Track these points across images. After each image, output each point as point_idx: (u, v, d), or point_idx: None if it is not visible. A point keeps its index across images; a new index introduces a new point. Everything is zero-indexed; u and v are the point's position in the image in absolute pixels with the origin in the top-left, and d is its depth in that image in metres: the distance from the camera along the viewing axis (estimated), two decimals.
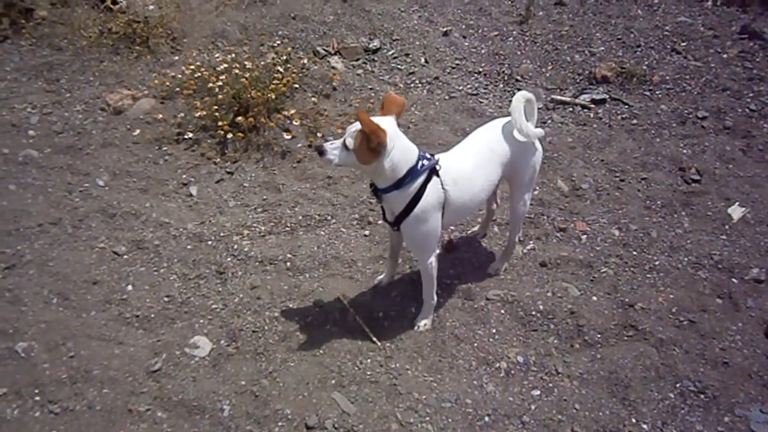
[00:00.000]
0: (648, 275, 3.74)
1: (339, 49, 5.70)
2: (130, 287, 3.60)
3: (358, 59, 5.63)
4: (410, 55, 5.58)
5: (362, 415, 2.97)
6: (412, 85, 5.30)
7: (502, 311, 3.51)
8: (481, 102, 5.13)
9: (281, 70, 5.06)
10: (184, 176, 4.35)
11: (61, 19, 5.82)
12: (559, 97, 5.12)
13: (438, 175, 2.97)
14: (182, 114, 4.74)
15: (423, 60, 5.56)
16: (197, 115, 4.60)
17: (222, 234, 3.93)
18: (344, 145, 2.82)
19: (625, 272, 3.76)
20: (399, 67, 5.48)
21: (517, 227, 3.57)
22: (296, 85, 4.99)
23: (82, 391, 3.06)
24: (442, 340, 3.34)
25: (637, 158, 4.57)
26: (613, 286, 3.67)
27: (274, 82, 4.87)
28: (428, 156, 2.96)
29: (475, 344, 3.34)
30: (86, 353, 3.22)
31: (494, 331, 3.40)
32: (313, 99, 4.98)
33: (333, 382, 3.13)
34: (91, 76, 5.23)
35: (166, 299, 3.53)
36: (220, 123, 4.50)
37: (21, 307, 3.42)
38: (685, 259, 3.84)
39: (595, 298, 3.60)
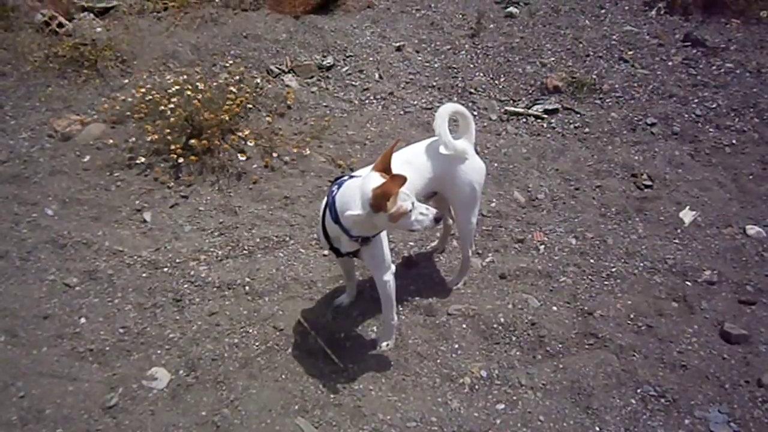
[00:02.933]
0: (606, 282, 3.79)
1: (293, 67, 5.68)
2: (83, 320, 3.49)
3: (312, 77, 5.61)
4: (364, 72, 5.59)
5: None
6: (366, 101, 5.29)
7: (464, 326, 3.51)
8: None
9: (234, 90, 5.00)
10: (137, 202, 4.26)
11: (3, 44, 5.66)
12: (512, 109, 5.18)
13: None
14: (134, 138, 4.65)
15: (377, 76, 5.57)
16: (149, 139, 4.51)
17: (178, 260, 3.85)
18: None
19: (583, 280, 3.80)
20: (353, 83, 5.48)
21: (467, 243, 3.58)
22: (249, 105, 4.95)
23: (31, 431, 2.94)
24: (405, 358, 3.33)
25: (591, 166, 4.65)
26: (572, 295, 3.71)
27: (227, 102, 4.81)
28: (343, 177, 2.98)
29: (438, 361, 3.33)
30: (38, 392, 3.11)
31: (456, 346, 3.40)
32: (267, 119, 4.93)
33: (296, 407, 3.08)
34: (37, 101, 5.10)
35: (121, 330, 3.43)
36: (172, 146, 4.42)
37: None
38: (641, 264, 3.90)
39: (555, 308, 3.63)
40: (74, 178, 4.41)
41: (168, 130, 4.53)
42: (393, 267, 3.15)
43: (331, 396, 3.13)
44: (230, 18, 6.19)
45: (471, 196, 3.34)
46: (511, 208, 4.29)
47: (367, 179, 2.76)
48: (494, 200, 4.32)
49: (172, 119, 4.57)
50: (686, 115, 5.08)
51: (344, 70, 5.62)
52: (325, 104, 5.24)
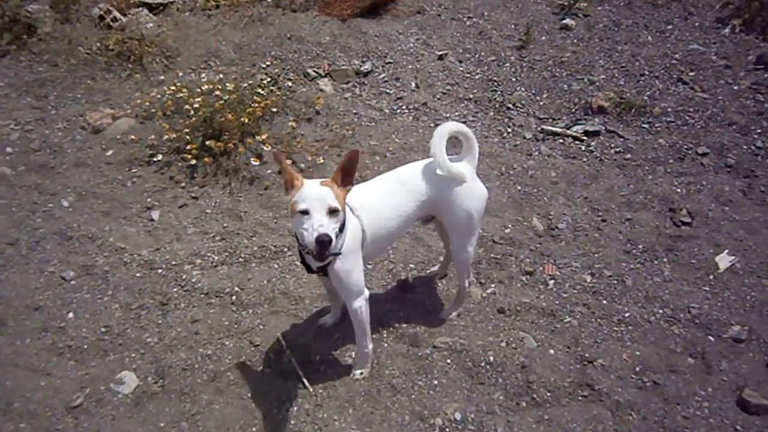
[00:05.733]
0: (615, 328, 3.45)
1: (329, 71, 5.58)
2: (71, 315, 3.53)
3: (348, 82, 5.49)
4: (401, 80, 5.41)
5: None
6: (398, 111, 5.12)
7: (449, 361, 3.29)
8: None
9: (263, 92, 4.96)
10: (149, 200, 4.28)
11: (60, 36, 5.88)
12: (549, 128, 4.85)
13: (348, 206, 2.81)
14: (157, 136, 4.68)
15: (413, 85, 5.38)
16: (167, 137, 4.53)
17: (174, 262, 3.83)
18: (327, 210, 2.53)
19: (591, 323, 3.48)
20: (388, 91, 5.32)
21: (464, 273, 3.35)
22: (274, 109, 4.87)
23: None
24: (377, 389, 3.14)
25: (625, 196, 4.27)
26: (574, 338, 3.40)
27: (253, 105, 4.77)
28: None
29: (413, 396, 3.13)
30: (11, 384, 3.16)
31: (436, 382, 3.18)
32: (291, 123, 4.85)
33: (254, 430, 2.97)
34: (80, 93, 5.25)
35: (103, 329, 3.44)
36: (188, 146, 4.42)
37: None
38: (660, 311, 3.53)
39: (552, 351, 3.34)
40: (95, 171, 4.50)
41: (187, 130, 4.54)
42: (366, 293, 2.97)
43: (292, 422, 3.00)
44: (278, 18, 6.16)
45: (467, 223, 3.11)
46: (527, 237, 4.00)
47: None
48: (509, 226, 4.05)
49: (193, 119, 4.58)
50: (745, 147, 4.58)
51: (381, 77, 5.46)
52: (354, 111, 5.11)
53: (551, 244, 3.95)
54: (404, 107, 5.15)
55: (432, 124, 4.97)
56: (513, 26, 5.93)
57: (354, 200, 2.88)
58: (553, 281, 3.71)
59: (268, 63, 5.57)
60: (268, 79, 5.28)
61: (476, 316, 3.52)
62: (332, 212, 2.52)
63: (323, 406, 3.07)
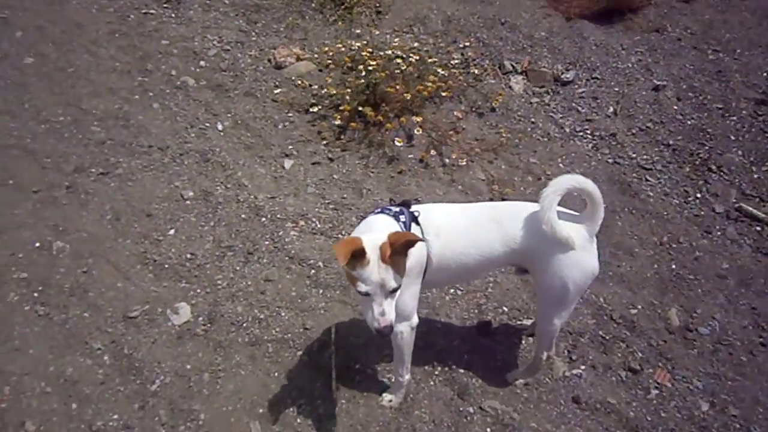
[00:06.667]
0: None
1: (527, 69, 5.09)
2: (171, 231, 3.69)
3: (542, 86, 4.97)
4: (599, 100, 4.76)
5: None
6: (579, 133, 4.52)
7: (488, 430, 2.85)
8: (647, 180, 4.18)
9: (443, 73, 4.68)
10: (290, 147, 4.30)
11: None
12: (751, 209, 3.93)
13: (418, 224, 2.48)
14: (324, 87, 4.66)
15: (611, 110, 4.70)
16: (325, 91, 4.49)
17: (279, 216, 3.82)
18: (387, 293, 2.27)
19: None
20: (579, 108, 4.71)
21: (543, 344, 2.84)
22: (444, 93, 4.57)
23: (69, 303, 3.24)
24: (398, 427, 2.84)
25: None
26: None
27: (426, 83, 4.53)
28: (391, 208, 2.47)
29: None
30: (96, 274, 3.41)
31: None
32: (457, 113, 4.52)
33: (260, 411, 2.88)
34: (283, 27, 5.41)
35: (188, 256, 3.55)
36: (342, 107, 4.33)
37: (82, 212, 3.72)
38: None
39: None
40: (259, 104, 4.62)
41: (349, 90, 4.45)
42: (414, 320, 2.65)
43: (298, 421, 2.84)
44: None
45: (560, 295, 2.60)
46: (653, 327, 3.31)
47: (378, 229, 2.33)
48: (639, 307, 3.38)
49: (361, 80, 4.47)
50: None
51: (579, 90, 4.86)
52: (532, 120, 4.62)
53: (679, 347, 3.22)
54: (588, 132, 4.53)
55: (610, 161, 4.32)
56: (765, 75, 4.86)
57: (431, 221, 2.55)
58: (657, 391, 3.02)
59: (467, 43, 5.24)
60: (458, 61, 4.97)
61: (546, 393, 3.01)
62: (392, 292, 2.27)
63: (336, 419, 2.85)
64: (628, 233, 3.82)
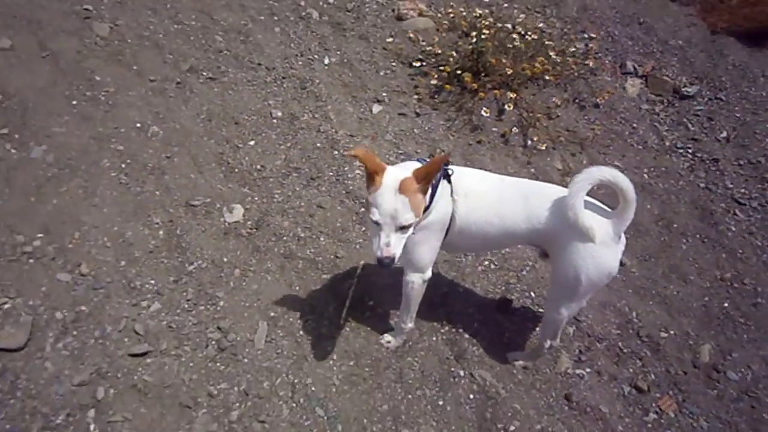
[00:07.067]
0: None
1: (649, 74, 4.88)
2: (252, 142, 3.99)
3: (658, 95, 4.76)
4: (714, 122, 4.50)
5: (248, 356, 2.93)
6: (679, 150, 4.34)
7: (471, 396, 2.92)
8: (735, 214, 3.93)
9: (555, 57, 4.61)
10: (383, 94, 4.45)
11: None
12: None
13: (450, 182, 2.55)
14: (434, 45, 4.74)
15: (724, 134, 4.44)
16: (430, 49, 4.56)
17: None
18: (397, 227, 2.35)
19: None
20: (689, 125, 4.49)
21: (548, 332, 2.84)
22: (548, 77, 4.50)
23: (147, 180, 3.62)
24: (387, 365, 2.99)
25: None
26: None
27: (533, 63, 4.49)
28: (427, 160, 2.54)
29: (408, 397, 2.89)
30: (176, 161, 3.76)
31: (441, 403, 2.88)
32: (557, 100, 4.45)
33: (272, 314, 3.11)
34: None
35: (258, 167, 3.83)
36: (441, 67, 4.40)
37: (182, 106, 4.09)
38: None
39: None
40: (369, 48, 4.79)
41: (454, 53, 4.50)
42: (427, 273, 2.74)
43: (301, 332, 3.05)
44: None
45: (572, 285, 2.59)
46: (678, 357, 3.18)
47: (407, 168, 2.42)
48: (672, 332, 3.26)
49: (470, 46, 4.50)
50: None
51: (697, 108, 4.61)
52: (634, 125, 4.47)
53: (699, 383, 3.08)
54: (690, 151, 4.33)
55: (702, 185, 4.14)
56: None
57: (462, 183, 2.61)
58: (656, 416, 2.93)
59: (594, 35, 5.10)
60: (576, 50, 4.86)
61: (541, 382, 3.01)
62: (403, 228, 2.35)
63: (334, 341, 3.03)
64: (689, 259, 3.65)
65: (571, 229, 2.48)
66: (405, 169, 2.38)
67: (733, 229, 3.85)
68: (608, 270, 2.53)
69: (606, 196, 2.58)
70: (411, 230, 2.40)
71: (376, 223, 2.35)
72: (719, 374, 3.13)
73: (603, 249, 2.49)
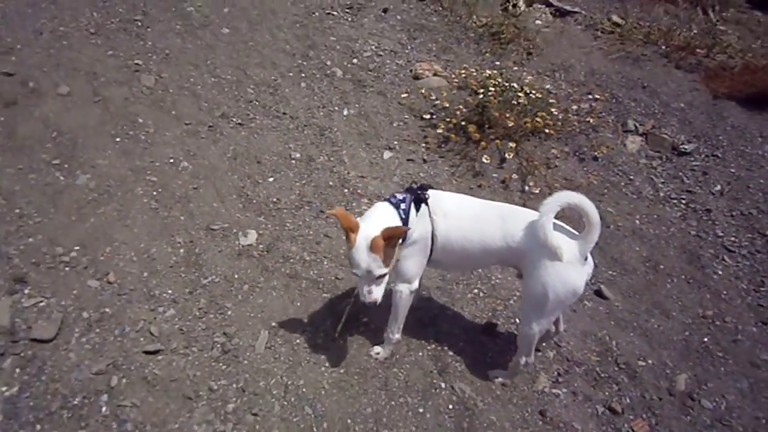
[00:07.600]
0: None
1: (649, 131, 5.19)
2: (271, 179, 4.40)
3: (657, 151, 5.05)
4: (708, 176, 4.75)
5: (248, 359, 3.22)
6: (673, 200, 4.56)
7: (450, 407, 3.13)
8: (723, 260, 4.12)
9: (556, 114, 4.97)
10: (395, 142, 4.86)
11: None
12: None
13: (427, 204, 2.87)
14: (443, 101, 5.17)
15: (718, 187, 4.67)
16: (438, 102, 4.99)
17: (359, 192, 4.37)
18: (374, 278, 2.77)
19: None
20: (684, 179, 4.74)
21: (523, 348, 3.06)
22: (548, 131, 4.85)
23: (174, 207, 4.04)
24: (373, 375, 3.22)
25: None
26: None
27: (534, 117, 4.86)
28: (396, 195, 2.87)
29: (389, 407, 3.12)
30: (202, 192, 4.19)
31: (421, 411, 3.10)
32: (556, 152, 4.79)
33: (273, 324, 3.41)
34: (437, 47, 6.03)
35: (275, 200, 4.22)
36: (448, 119, 4.81)
37: (211, 146, 4.56)
38: None
39: None
40: (386, 103, 5.25)
41: (462, 107, 4.91)
42: (414, 285, 3.03)
43: (298, 341, 3.33)
44: (657, 66, 5.91)
45: (539, 300, 2.85)
46: (654, 384, 3.33)
47: (376, 219, 2.80)
48: (650, 362, 3.44)
49: (476, 102, 4.91)
50: None
51: (693, 163, 4.88)
52: (630, 176, 4.75)
53: (673, 409, 3.22)
54: (683, 202, 4.59)
55: (693, 233, 4.36)
56: None
57: (441, 204, 2.93)
58: None
59: (599, 96, 5.46)
60: (585, 111, 5.22)
61: (517, 399, 3.20)
62: (380, 278, 2.77)
63: (328, 351, 3.30)
64: (673, 297, 3.83)
65: (541, 249, 2.76)
66: (376, 225, 2.72)
67: (720, 272, 4.03)
68: (573, 287, 2.78)
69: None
70: (387, 278, 2.80)
71: (357, 276, 2.77)
72: (694, 402, 3.27)
73: (569, 268, 2.75)
